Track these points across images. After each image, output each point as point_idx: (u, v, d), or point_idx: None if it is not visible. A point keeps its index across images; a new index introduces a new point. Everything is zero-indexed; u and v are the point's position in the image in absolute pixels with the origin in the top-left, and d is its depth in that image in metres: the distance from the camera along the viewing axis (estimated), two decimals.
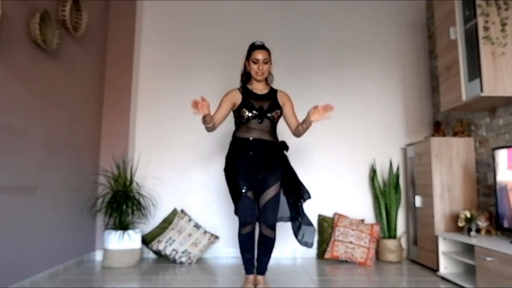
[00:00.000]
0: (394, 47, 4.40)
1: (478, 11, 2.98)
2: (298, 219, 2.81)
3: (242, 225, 2.66)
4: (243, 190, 2.63)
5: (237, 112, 2.78)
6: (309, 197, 2.83)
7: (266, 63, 2.77)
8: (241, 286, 2.78)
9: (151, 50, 4.31)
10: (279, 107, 2.82)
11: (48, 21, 2.89)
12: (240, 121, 2.79)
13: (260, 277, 2.78)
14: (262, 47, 2.80)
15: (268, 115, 2.75)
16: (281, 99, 2.86)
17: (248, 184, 2.64)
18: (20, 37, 2.65)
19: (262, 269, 2.79)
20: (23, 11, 2.68)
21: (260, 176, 2.68)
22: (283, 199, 2.81)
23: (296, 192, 2.81)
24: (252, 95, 2.80)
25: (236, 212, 2.68)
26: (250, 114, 2.73)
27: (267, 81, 2.89)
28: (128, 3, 4.16)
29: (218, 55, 4.32)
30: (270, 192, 2.69)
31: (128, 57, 4.10)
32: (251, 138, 2.72)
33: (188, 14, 4.37)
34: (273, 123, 2.80)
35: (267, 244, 2.75)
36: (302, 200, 2.82)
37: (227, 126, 2.90)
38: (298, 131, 2.83)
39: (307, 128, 2.74)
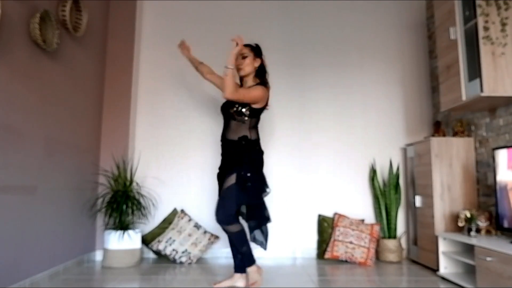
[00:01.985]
0: (394, 47, 4.40)
1: (478, 11, 2.98)
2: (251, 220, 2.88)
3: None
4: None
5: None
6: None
7: (244, 58, 2.85)
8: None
9: (151, 50, 4.31)
10: (241, 103, 2.77)
11: (48, 21, 2.89)
12: None
13: (236, 275, 2.88)
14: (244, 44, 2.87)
15: (230, 110, 2.82)
16: None
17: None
18: (20, 37, 2.65)
19: (236, 267, 2.89)
20: (23, 11, 2.68)
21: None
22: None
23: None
24: None
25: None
26: (222, 111, 2.93)
27: (259, 79, 2.88)
28: (128, 3, 4.16)
29: (218, 55, 4.29)
30: (223, 189, 2.80)
31: (128, 57, 4.10)
32: (221, 138, 2.91)
33: (188, 14, 4.37)
34: (235, 119, 2.80)
35: (229, 239, 2.87)
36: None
37: None
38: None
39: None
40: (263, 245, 2.85)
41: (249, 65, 2.85)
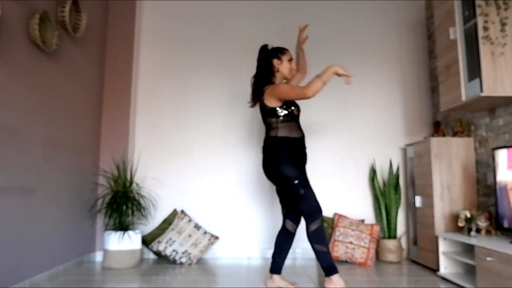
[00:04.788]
0: (393, 47, 4.40)
1: (478, 11, 2.98)
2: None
3: (321, 218, 2.80)
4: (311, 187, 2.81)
5: (287, 109, 2.81)
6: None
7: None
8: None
9: (151, 51, 4.31)
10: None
11: (47, 22, 2.89)
12: (287, 120, 2.82)
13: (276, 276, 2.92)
14: None
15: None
16: None
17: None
18: (19, 38, 2.65)
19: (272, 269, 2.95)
20: (23, 12, 2.68)
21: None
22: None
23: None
24: None
25: (317, 209, 2.78)
26: (298, 112, 2.88)
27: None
28: (128, 3, 4.16)
29: (217, 56, 4.32)
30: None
31: (127, 58, 4.09)
32: (298, 137, 2.84)
33: (187, 14, 4.37)
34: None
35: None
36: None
37: (224, 129, 2.89)
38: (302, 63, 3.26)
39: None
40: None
41: None
